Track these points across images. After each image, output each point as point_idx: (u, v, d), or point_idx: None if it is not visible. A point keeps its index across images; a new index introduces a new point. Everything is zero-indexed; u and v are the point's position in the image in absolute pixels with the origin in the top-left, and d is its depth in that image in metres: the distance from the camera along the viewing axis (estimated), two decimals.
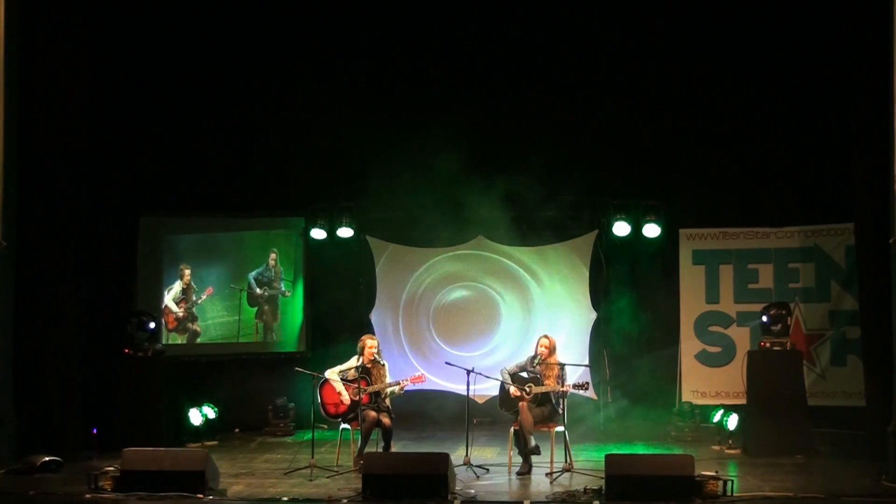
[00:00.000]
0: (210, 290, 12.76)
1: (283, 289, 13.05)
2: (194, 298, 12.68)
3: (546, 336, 9.75)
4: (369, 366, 9.77)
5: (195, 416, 11.35)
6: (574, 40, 12.07)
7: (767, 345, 10.80)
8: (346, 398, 9.68)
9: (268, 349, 13.01)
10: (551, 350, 9.57)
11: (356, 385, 9.62)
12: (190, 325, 12.69)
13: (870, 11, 9.64)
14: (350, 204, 12.75)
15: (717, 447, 10.87)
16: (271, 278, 13.02)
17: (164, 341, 12.30)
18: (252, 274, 12.94)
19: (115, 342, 11.14)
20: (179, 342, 12.61)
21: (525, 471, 9.32)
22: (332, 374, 9.82)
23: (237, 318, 12.83)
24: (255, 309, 12.96)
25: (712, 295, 12.27)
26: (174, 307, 12.57)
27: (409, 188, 12.01)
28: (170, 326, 12.57)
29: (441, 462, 8.28)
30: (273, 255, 13.01)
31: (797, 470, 9.55)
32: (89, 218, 10.98)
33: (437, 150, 11.94)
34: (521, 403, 9.38)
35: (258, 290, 12.92)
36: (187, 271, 12.66)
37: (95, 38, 10.95)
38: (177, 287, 12.61)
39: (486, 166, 12.19)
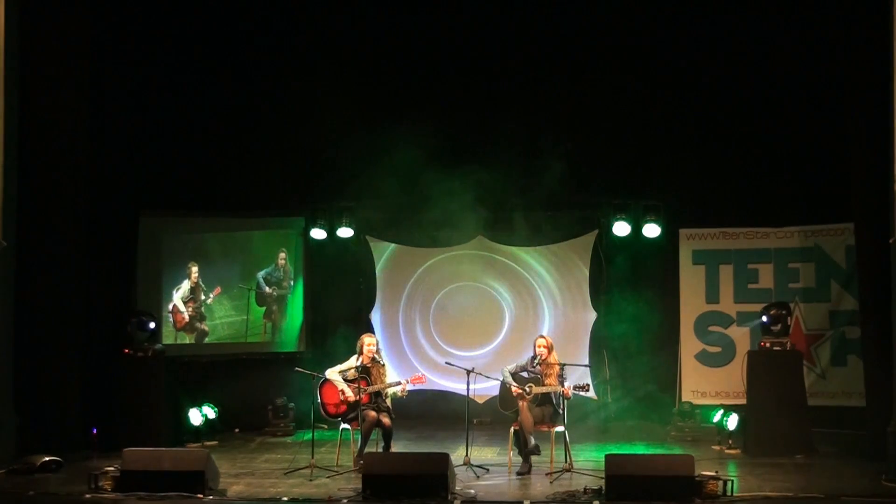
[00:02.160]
0: (218, 289, 12.77)
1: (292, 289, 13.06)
2: (203, 298, 12.69)
3: (542, 336, 9.78)
4: (369, 365, 9.77)
5: (195, 416, 11.35)
6: (574, 40, 12.07)
7: (767, 345, 10.80)
8: (350, 395, 9.67)
9: (268, 349, 13.01)
10: (550, 349, 9.58)
11: (356, 385, 9.62)
12: (198, 324, 12.70)
13: (870, 12, 9.64)
14: (350, 204, 12.76)
15: (717, 447, 10.87)
16: (280, 278, 13.02)
17: (172, 340, 12.35)
18: (261, 273, 12.95)
19: (115, 342, 11.13)
20: (188, 341, 12.63)
21: (525, 471, 9.32)
22: (332, 373, 9.82)
23: (245, 317, 12.83)
24: (264, 309, 12.96)
25: (712, 295, 12.27)
26: (182, 307, 12.59)
27: (409, 188, 12.01)
28: (178, 326, 12.58)
29: (441, 462, 8.28)
30: (283, 255, 13.00)
31: (797, 470, 9.55)
32: (89, 218, 10.97)
33: (438, 150, 11.96)
34: (521, 403, 9.38)
35: (267, 290, 12.92)
36: (195, 269, 12.66)
37: (95, 38, 10.94)
38: (185, 286, 12.62)
39: (485, 166, 12.18)
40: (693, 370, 12.26)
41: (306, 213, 12.87)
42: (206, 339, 12.74)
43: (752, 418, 10.67)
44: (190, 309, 12.60)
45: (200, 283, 12.67)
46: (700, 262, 12.34)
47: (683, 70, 11.94)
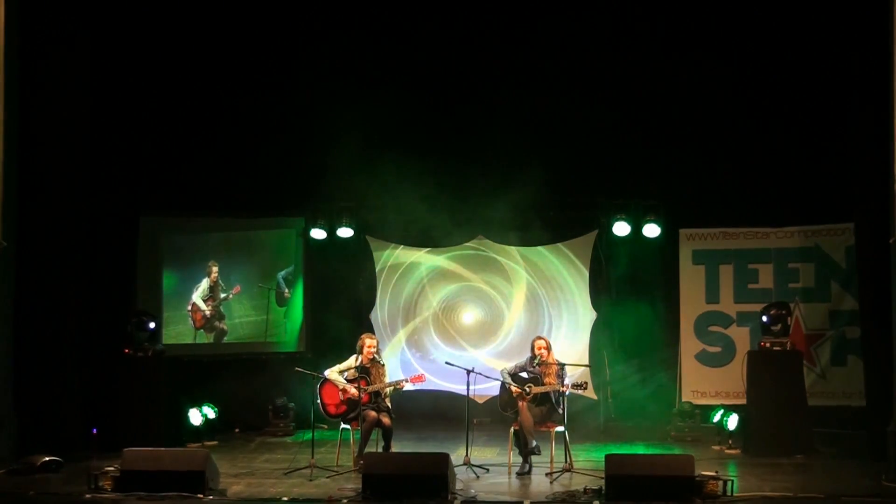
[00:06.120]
0: (238, 288, 12.79)
1: None
2: (222, 296, 12.71)
3: (540, 337, 9.78)
4: (368, 365, 9.77)
5: (195, 416, 11.35)
6: (575, 39, 12.07)
7: (767, 345, 10.80)
8: (352, 391, 9.65)
9: (268, 349, 13.01)
10: (548, 349, 9.58)
11: (356, 385, 9.62)
12: (217, 323, 12.74)
13: (870, 11, 9.64)
14: (350, 204, 12.76)
15: (717, 447, 10.87)
16: None
17: (192, 339, 12.45)
18: (281, 273, 12.96)
19: (115, 342, 11.14)
20: (207, 341, 12.66)
21: (525, 471, 9.32)
22: (331, 373, 9.82)
23: (266, 317, 12.84)
24: (285, 309, 12.96)
25: (712, 295, 12.27)
26: (202, 305, 12.63)
27: (409, 188, 12.00)
28: (197, 325, 12.64)
29: (441, 462, 8.28)
30: None
31: (797, 470, 9.55)
32: (89, 218, 10.98)
33: (438, 150, 11.96)
34: (520, 403, 9.39)
35: (287, 291, 12.93)
36: (215, 269, 12.71)
37: (95, 38, 10.95)
38: (204, 284, 12.68)
39: (486, 166, 12.19)
40: (693, 370, 12.26)
41: (306, 213, 12.87)
42: (226, 339, 12.78)
43: (752, 418, 10.67)
44: (209, 307, 12.63)
45: (220, 281, 12.70)
46: (700, 262, 12.34)
47: (683, 70, 11.93)
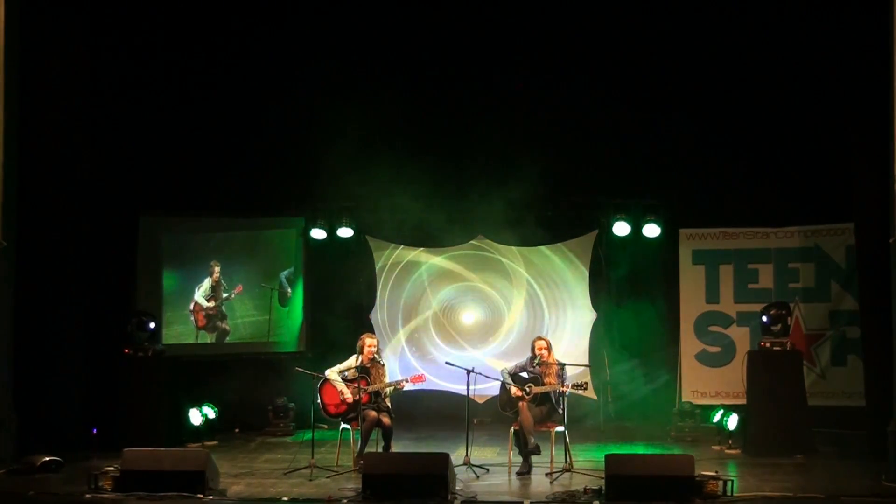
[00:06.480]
0: (239, 287, 12.80)
1: None
2: (224, 296, 12.72)
3: (541, 338, 9.78)
4: (368, 365, 9.77)
5: (195, 416, 11.34)
6: (575, 39, 12.07)
7: (767, 345, 10.80)
8: (348, 396, 9.67)
9: (268, 349, 13.01)
10: (549, 349, 9.59)
11: (356, 385, 9.63)
12: (219, 323, 12.76)
13: (870, 11, 9.64)
14: (350, 204, 12.77)
15: (717, 447, 10.87)
16: None
17: (193, 339, 12.46)
18: (284, 273, 12.96)
19: (115, 342, 11.14)
20: (209, 341, 12.66)
21: (525, 471, 9.32)
22: (331, 373, 9.82)
23: (267, 317, 12.84)
24: (286, 309, 12.96)
25: (712, 295, 12.27)
26: (205, 303, 12.63)
27: (409, 188, 12.01)
28: (199, 325, 12.66)
29: (441, 462, 8.27)
30: None
31: (797, 470, 9.55)
32: (89, 218, 10.98)
33: (438, 150, 11.95)
34: (520, 403, 9.39)
35: (289, 290, 12.93)
36: (217, 268, 12.72)
37: (95, 38, 10.96)
38: (206, 284, 12.69)
39: (486, 165, 12.19)
40: (693, 370, 12.26)
41: (306, 213, 12.88)
42: (228, 339, 12.79)
43: (752, 418, 10.67)
44: (211, 305, 12.64)
45: (222, 281, 12.71)
46: (700, 262, 12.35)
47: (684, 70, 11.94)
